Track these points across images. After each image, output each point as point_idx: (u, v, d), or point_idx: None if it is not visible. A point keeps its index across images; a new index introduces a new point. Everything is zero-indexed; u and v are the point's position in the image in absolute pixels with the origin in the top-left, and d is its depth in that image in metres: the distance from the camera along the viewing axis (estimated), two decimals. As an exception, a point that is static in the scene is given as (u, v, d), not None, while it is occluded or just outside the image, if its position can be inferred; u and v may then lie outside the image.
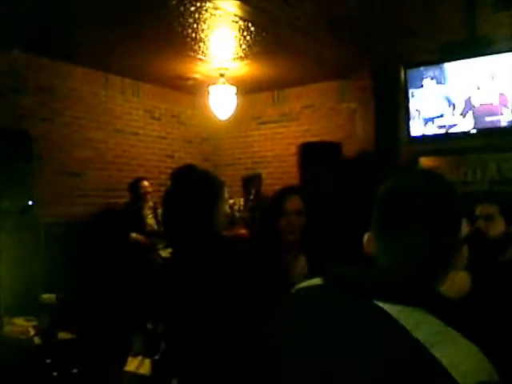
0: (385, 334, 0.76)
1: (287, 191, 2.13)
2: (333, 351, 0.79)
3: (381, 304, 0.78)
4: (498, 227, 2.14)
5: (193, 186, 1.82)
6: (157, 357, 1.71)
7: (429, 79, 4.70)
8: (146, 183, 5.29)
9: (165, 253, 4.59)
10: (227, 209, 1.91)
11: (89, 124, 5.47)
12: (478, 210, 2.21)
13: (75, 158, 5.29)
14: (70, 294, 3.60)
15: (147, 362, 1.75)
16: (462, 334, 0.75)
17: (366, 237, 0.93)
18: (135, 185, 5.28)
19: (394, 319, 0.76)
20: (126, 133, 5.90)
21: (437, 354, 0.70)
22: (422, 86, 4.74)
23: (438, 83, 4.65)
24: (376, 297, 0.79)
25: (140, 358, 1.81)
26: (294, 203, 2.04)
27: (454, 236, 0.87)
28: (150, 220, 5.20)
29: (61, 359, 3.15)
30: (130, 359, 1.85)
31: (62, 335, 3.23)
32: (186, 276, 1.68)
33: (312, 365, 0.81)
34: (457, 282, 0.97)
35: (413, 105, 4.79)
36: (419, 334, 0.73)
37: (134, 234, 4.95)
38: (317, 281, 0.92)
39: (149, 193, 5.25)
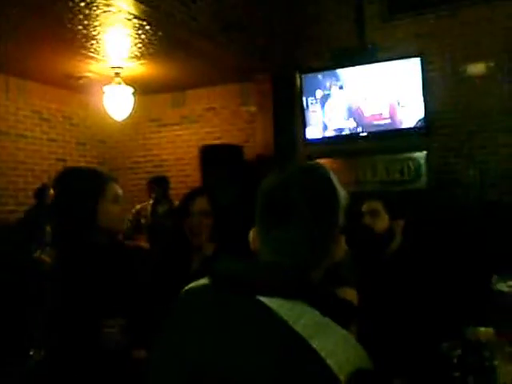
0: (266, 329, 0.77)
1: (193, 193, 2.14)
2: (217, 350, 0.79)
3: (263, 299, 0.78)
4: (382, 222, 2.25)
5: (68, 183, 1.81)
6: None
7: (325, 84, 4.90)
8: (53, 191, 4.86)
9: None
10: (117, 209, 1.82)
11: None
12: (365, 207, 2.32)
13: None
14: None
15: None
16: (338, 325, 0.77)
17: (250, 234, 0.93)
18: (42, 192, 4.82)
19: (275, 313, 0.76)
20: (11, 135, 5.47)
21: (315, 346, 0.72)
22: (319, 90, 4.92)
23: (335, 88, 4.86)
24: (258, 292, 0.80)
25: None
26: (200, 204, 2.04)
27: (331, 227, 0.89)
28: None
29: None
30: None
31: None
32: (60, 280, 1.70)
33: (196, 365, 0.81)
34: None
35: (311, 108, 4.96)
36: (299, 327, 0.74)
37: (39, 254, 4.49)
38: (204, 281, 0.92)
39: None
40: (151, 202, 5.26)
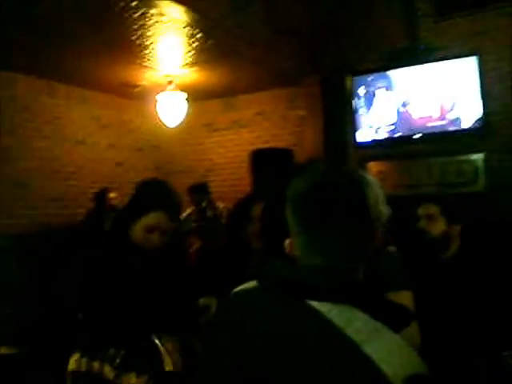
0: (317, 334, 0.76)
1: (253, 197, 2.12)
2: (268, 353, 0.79)
3: (313, 303, 0.78)
4: (438, 226, 2.20)
5: (137, 192, 1.87)
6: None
7: (375, 86, 4.83)
8: (112, 194, 5.05)
9: None
10: (146, 237, 1.79)
11: (33, 133, 5.29)
12: (420, 211, 2.27)
13: (19, 168, 5.09)
14: (12, 308, 3.45)
15: None
16: (391, 329, 0.76)
17: (287, 242, 0.92)
18: (100, 195, 5.04)
19: (325, 318, 0.76)
20: (72, 141, 5.74)
21: (368, 351, 0.71)
22: (369, 93, 4.86)
23: (384, 90, 4.79)
24: (307, 296, 0.79)
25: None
26: (260, 209, 2.02)
27: (371, 228, 0.87)
28: None
29: (4, 375, 3.03)
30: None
31: (2, 350, 3.11)
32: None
33: (247, 368, 0.81)
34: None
35: (361, 111, 4.90)
36: (350, 332, 0.73)
37: None
38: (253, 283, 0.92)
39: (113, 205, 4.94)
40: (193, 208, 5.34)
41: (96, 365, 1.68)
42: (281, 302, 0.82)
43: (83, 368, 1.69)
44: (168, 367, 1.69)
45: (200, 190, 5.36)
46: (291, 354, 0.77)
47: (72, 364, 1.73)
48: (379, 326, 0.76)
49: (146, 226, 1.75)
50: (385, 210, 0.86)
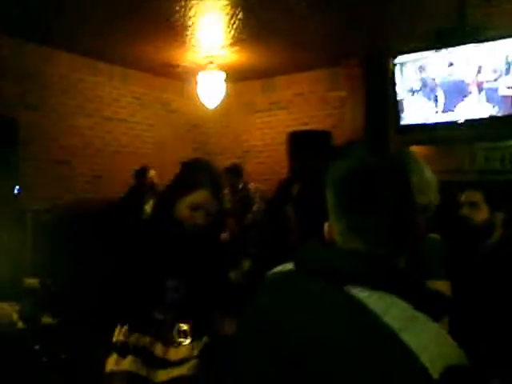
0: (354, 320, 0.76)
1: (294, 178, 2.14)
2: (303, 336, 0.79)
3: (351, 289, 0.78)
4: (481, 214, 2.17)
5: (182, 171, 1.88)
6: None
7: (418, 68, 4.69)
8: (152, 173, 5.15)
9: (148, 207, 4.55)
10: (191, 215, 1.82)
11: (76, 111, 5.42)
12: (463, 198, 2.24)
13: (62, 146, 5.25)
14: (55, 280, 3.59)
15: (129, 358, 1.74)
16: (430, 318, 0.74)
17: (326, 225, 0.91)
18: (141, 173, 5.14)
19: (363, 304, 0.75)
20: (114, 120, 5.85)
21: (405, 339, 0.70)
22: (413, 74, 4.73)
23: (427, 72, 4.64)
24: (345, 281, 0.79)
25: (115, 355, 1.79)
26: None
27: (414, 214, 0.87)
28: (149, 209, 5.12)
29: (46, 344, 3.15)
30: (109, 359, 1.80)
31: (46, 320, 3.23)
32: None
33: (281, 350, 0.82)
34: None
35: (404, 93, 4.78)
36: (388, 319, 0.72)
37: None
38: (289, 265, 0.92)
39: (153, 183, 5.04)
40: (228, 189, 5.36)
41: (147, 340, 1.72)
42: (318, 286, 0.82)
43: (132, 341, 1.73)
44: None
45: (235, 172, 5.38)
46: (326, 338, 0.76)
47: (119, 335, 1.77)
48: (418, 315, 0.75)
49: (191, 203, 1.76)
50: (434, 197, 0.84)
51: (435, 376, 0.66)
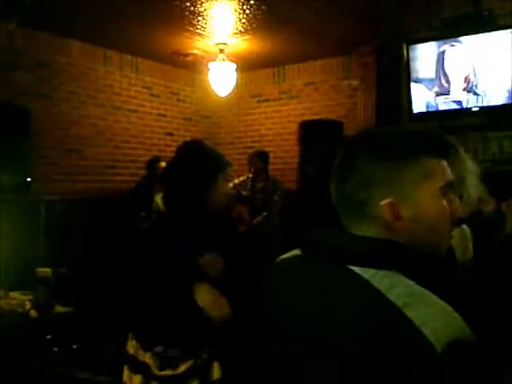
0: (359, 297, 0.77)
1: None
2: (310, 316, 0.82)
3: (355, 269, 0.79)
4: (489, 206, 2.14)
5: (196, 159, 1.81)
6: None
7: (432, 56, 4.62)
8: (163, 164, 5.18)
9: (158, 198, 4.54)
10: (228, 188, 1.91)
11: (87, 100, 5.43)
12: None
13: (73, 135, 5.26)
14: (68, 268, 3.62)
15: (139, 376, 1.73)
16: (435, 295, 0.75)
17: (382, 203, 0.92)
18: (152, 164, 5.15)
19: (367, 282, 0.77)
20: (124, 110, 5.85)
21: (410, 315, 0.71)
22: (426, 63, 4.66)
23: (441, 60, 4.57)
24: (350, 262, 0.80)
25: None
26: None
27: None
28: (159, 200, 5.11)
29: (59, 333, 3.18)
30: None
31: (59, 309, 3.26)
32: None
33: (290, 331, 0.85)
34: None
35: (417, 82, 4.72)
36: (392, 296, 0.74)
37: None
38: (296, 251, 0.95)
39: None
40: (251, 175, 5.37)
41: (147, 357, 1.72)
42: (324, 266, 0.84)
43: (139, 357, 1.74)
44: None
45: (263, 157, 5.36)
46: (332, 317, 0.78)
47: (131, 348, 1.77)
48: (423, 291, 0.75)
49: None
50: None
51: (439, 350, 0.67)
